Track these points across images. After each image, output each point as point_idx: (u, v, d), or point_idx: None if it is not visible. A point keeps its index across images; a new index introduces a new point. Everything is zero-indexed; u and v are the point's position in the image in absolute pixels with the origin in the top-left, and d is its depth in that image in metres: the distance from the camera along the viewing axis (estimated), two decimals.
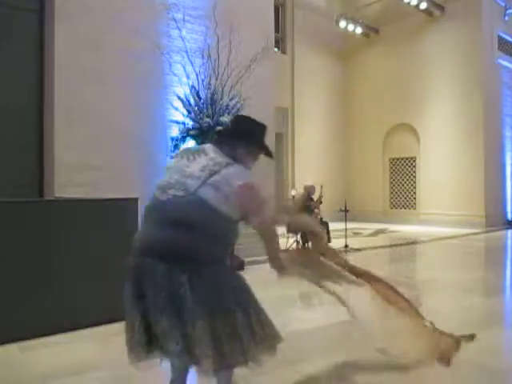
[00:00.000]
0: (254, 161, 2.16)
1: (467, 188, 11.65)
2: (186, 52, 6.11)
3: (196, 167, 1.87)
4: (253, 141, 2.10)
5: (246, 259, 6.26)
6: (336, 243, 8.16)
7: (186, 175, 1.85)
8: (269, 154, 2.20)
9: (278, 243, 2.06)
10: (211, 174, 1.83)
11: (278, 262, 2.12)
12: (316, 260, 2.36)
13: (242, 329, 1.76)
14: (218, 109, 5.88)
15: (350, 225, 8.82)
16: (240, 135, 2.07)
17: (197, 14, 6.60)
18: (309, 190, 8.21)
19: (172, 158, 2.03)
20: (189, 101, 6.00)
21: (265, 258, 2.14)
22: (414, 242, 9.45)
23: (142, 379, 2.73)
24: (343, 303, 2.44)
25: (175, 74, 6.20)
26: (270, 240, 2.02)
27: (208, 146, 2.02)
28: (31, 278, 3.37)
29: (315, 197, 8.24)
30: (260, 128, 2.16)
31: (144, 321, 1.79)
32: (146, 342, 1.81)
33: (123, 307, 1.88)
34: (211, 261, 1.81)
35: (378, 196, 13.79)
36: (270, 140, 7.60)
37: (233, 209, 1.84)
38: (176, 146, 5.91)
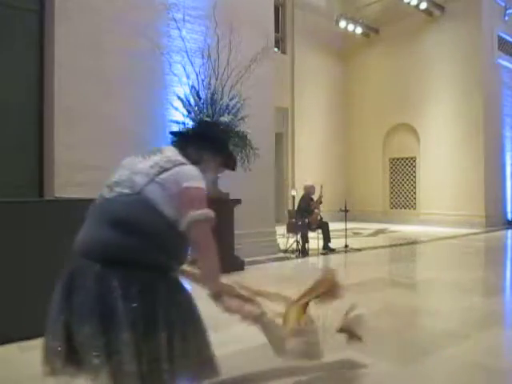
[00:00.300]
0: (216, 172, 1.99)
1: (467, 188, 11.65)
2: (186, 52, 6.11)
3: (147, 164, 1.71)
4: (221, 149, 1.97)
5: (246, 259, 6.27)
6: (336, 243, 8.17)
7: (134, 171, 1.70)
8: (233, 165, 2.06)
9: (214, 257, 1.73)
10: (160, 172, 1.67)
11: (214, 282, 1.78)
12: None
13: (163, 351, 1.55)
14: (217, 109, 5.88)
15: (349, 225, 8.82)
16: (208, 141, 1.93)
17: (197, 13, 6.60)
18: (309, 190, 8.21)
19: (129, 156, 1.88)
20: (189, 101, 6.00)
21: (197, 274, 1.86)
22: (413, 242, 9.45)
23: None
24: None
25: (175, 74, 6.20)
26: (204, 248, 1.72)
27: (167, 147, 1.86)
28: (31, 278, 3.37)
29: (315, 197, 8.24)
30: (226, 138, 2.15)
31: (66, 327, 1.62)
32: (65, 351, 1.62)
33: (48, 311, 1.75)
34: (150, 268, 1.63)
35: (378, 196, 13.79)
36: (270, 140, 7.68)
37: (176, 210, 1.65)
38: None
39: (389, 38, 13.29)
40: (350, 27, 13.05)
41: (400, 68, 13.03)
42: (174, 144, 1.90)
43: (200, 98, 6.01)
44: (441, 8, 12.18)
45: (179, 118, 6.07)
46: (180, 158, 1.76)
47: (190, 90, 6.05)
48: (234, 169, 2.06)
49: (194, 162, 1.80)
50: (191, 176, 1.70)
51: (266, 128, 7.40)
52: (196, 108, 5.95)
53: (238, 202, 5.99)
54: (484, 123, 11.56)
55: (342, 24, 12.92)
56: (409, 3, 11.88)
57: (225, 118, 5.75)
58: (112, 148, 5.70)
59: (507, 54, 12.79)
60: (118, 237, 1.60)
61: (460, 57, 11.86)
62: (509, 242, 10.39)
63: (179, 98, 6.02)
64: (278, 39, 12.42)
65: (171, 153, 1.78)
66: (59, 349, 1.62)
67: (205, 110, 5.88)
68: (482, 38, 11.65)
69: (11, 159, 5.27)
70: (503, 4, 12.51)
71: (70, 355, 1.62)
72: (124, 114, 5.84)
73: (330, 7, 13.64)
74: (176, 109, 6.11)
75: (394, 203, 13.65)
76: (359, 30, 13.28)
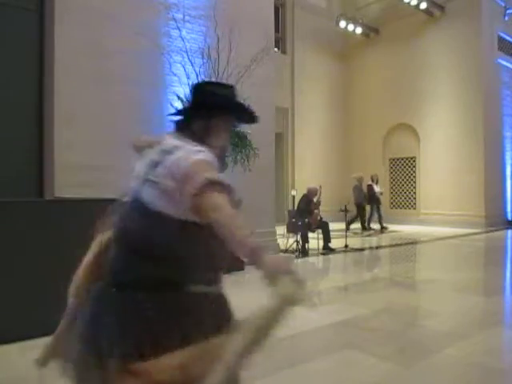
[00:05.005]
0: (219, 135, 1.51)
1: (467, 188, 11.65)
2: (186, 52, 6.11)
3: (142, 163, 1.45)
4: (209, 104, 1.49)
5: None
6: (336, 243, 8.17)
7: (134, 176, 1.46)
8: (243, 112, 1.56)
9: (240, 228, 1.20)
10: (152, 167, 1.36)
11: (251, 248, 1.18)
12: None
13: None
14: None
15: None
16: (193, 106, 1.55)
17: (197, 13, 6.60)
18: (310, 192, 8.21)
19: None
20: (189, 101, 6.00)
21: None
22: (414, 242, 9.45)
23: None
24: None
25: (175, 74, 6.20)
26: (228, 225, 1.20)
27: (169, 135, 1.51)
28: (31, 278, 3.37)
29: (316, 199, 8.24)
30: (229, 87, 1.57)
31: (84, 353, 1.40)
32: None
33: None
34: (151, 287, 1.31)
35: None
36: (270, 140, 7.69)
37: (180, 206, 1.27)
38: None
39: (389, 38, 13.29)
40: (350, 27, 13.05)
41: (400, 68, 13.03)
42: (177, 128, 1.54)
43: None
44: (441, 8, 12.18)
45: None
46: (177, 142, 1.40)
47: (190, 90, 6.04)
48: (253, 119, 1.57)
49: (202, 138, 1.46)
50: (186, 156, 1.30)
51: (266, 128, 7.40)
52: None
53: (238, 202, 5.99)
54: (484, 123, 11.56)
55: (342, 24, 12.92)
56: (409, 3, 11.88)
57: None
58: (112, 148, 5.70)
59: (507, 54, 12.79)
60: (121, 257, 1.37)
61: (460, 57, 11.86)
62: (509, 241, 10.39)
63: (179, 97, 6.01)
64: (278, 39, 12.41)
65: (168, 140, 1.44)
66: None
67: None
68: (482, 37, 11.65)
69: (11, 159, 5.27)
70: (503, 4, 12.51)
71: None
72: (124, 114, 5.84)
73: (330, 7, 13.64)
74: (176, 109, 6.11)
75: (394, 203, 13.65)
76: (359, 30, 13.28)
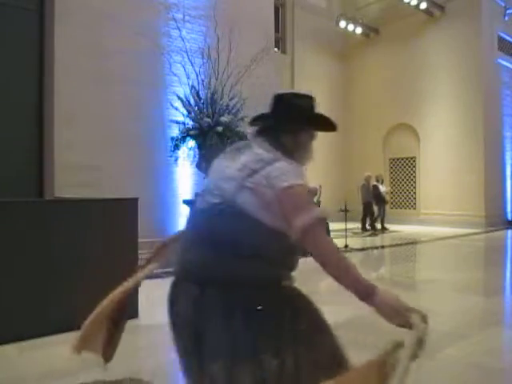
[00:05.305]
0: (307, 149, 1.63)
1: (467, 188, 11.65)
2: (186, 52, 6.11)
3: (235, 167, 1.46)
4: (295, 119, 1.58)
5: None
6: (336, 243, 8.16)
7: (223, 177, 1.47)
8: (323, 123, 1.65)
9: (338, 257, 1.39)
10: (250, 174, 1.41)
11: (360, 283, 1.35)
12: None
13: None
14: (217, 109, 5.88)
15: (349, 225, 8.82)
16: (280, 119, 1.58)
17: (197, 13, 6.60)
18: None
19: (217, 159, 1.62)
20: (189, 101, 6.00)
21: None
22: (414, 242, 9.45)
23: (145, 379, 2.73)
24: None
25: (175, 74, 6.19)
26: (325, 256, 1.39)
27: (257, 142, 1.55)
28: (31, 278, 3.37)
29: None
30: (303, 99, 1.64)
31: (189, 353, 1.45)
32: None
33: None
34: (256, 285, 1.39)
35: None
36: None
37: (276, 217, 1.39)
38: (176, 146, 5.91)
39: (389, 38, 13.29)
40: (350, 27, 13.05)
41: (400, 68, 13.03)
42: (263, 134, 1.57)
43: (200, 98, 6.00)
44: (441, 8, 12.18)
45: (179, 118, 6.07)
46: (272, 153, 1.46)
47: (190, 90, 6.05)
48: (334, 128, 1.66)
49: (291, 152, 1.52)
50: (286, 173, 1.39)
51: None
52: (196, 108, 5.95)
53: None
54: (484, 123, 11.56)
55: (342, 24, 12.93)
56: (409, 3, 11.88)
57: (225, 118, 5.75)
58: (112, 148, 5.70)
59: (507, 54, 12.78)
60: (215, 256, 1.39)
61: (460, 57, 11.86)
62: (509, 241, 10.39)
63: (179, 98, 6.01)
64: (278, 39, 12.41)
65: (259, 148, 1.49)
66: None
67: (205, 110, 5.88)
68: (482, 37, 11.65)
69: (11, 159, 5.27)
70: (503, 4, 12.51)
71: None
72: (124, 114, 5.84)
73: (330, 7, 13.64)
74: (176, 109, 6.11)
75: (394, 203, 13.64)
76: (359, 30, 13.28)
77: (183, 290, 1.44)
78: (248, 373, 1.32)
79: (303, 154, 1.60)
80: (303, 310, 1.49)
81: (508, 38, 12.77)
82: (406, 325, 1.33)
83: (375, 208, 11.45)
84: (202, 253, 1.42)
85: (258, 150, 1.48)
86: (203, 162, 5.99)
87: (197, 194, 1.56)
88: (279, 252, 1.43)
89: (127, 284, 1.65)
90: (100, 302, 1.62)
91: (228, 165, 1.49)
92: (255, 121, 1.67)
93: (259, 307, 1.37)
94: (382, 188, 11.59)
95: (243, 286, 1.38)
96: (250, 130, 1.71)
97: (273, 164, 1.41)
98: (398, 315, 1.33)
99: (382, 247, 8.80)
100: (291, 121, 1.58)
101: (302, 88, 12.96)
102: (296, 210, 1.36)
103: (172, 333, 1.47)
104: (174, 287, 1.49)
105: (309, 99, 1.65)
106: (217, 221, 1.42)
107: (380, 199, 11.40)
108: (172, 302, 1.48)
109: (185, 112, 6.02)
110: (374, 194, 11.30)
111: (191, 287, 1.41)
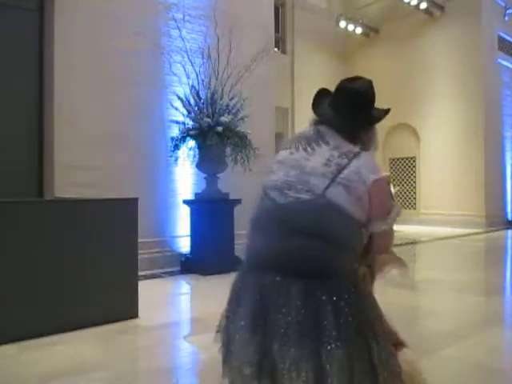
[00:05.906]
0: (376, 140, 1.75)
1: (467, 188, 11.65)
2: (186, 52, 6.11)
3: (318, 160, 1.47)
4: (376, 119, 1.76)
5: None
6: None
7: (306, 172, 1.46)
8: (380, 115, 1.81)
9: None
10: (339, 170, 1.44)
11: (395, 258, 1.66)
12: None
13: (378, 361, 1.41)
14: (217, 109, 5.88)
15: None
16: (357, 114, 1.66)
17: (197, 13, 6.60)
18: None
19: (282, 148, 1.60)
20: (189, 101, 6.00)
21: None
22: (414, 242, 9.44)
23: (145, 380, 2.73)
24: None
25: (175, 74, 6.19)
26: (384, 251, 1.61)
27: (325, 131, 1.57)
28: (31, 278, 3.37)
29: None
30: (367, 93, 1.80)
31: (260, 351, 1.40)
32: (252, 374, 1.42)
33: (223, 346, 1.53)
34: (348, 275, 1.46)
35: None
36: (270, 140, 7.68)
37: (364, 211, 1.48)
38: (176, 146, 5.91)
39: (389, 38, 13.29)
40: (350, 27, 13.05)
41: (400, 68, 13.03)
42: (328, 124, 1.61)
43: (200, 98, 6.00)
44: (441, 8, 12.18)
45: (179, 118, 6.07)
46: (348, 146, 1.52)
47: (190, 90, 6.05)
48: (384, 115, 1.82)
49: (367, 146, 1.61)
50: (373, 167, 1.53)
51: (266, 128, 7.40)
52: (196, 108, 5.95)
53: (238, 202, 5.99)
54: (484, 123, 11.55)
55: (342, 24, 12.92)
56: (409, 3, 11.87)
57: (225, 118, 5.75)
58: (112, 148, 5.70)
59: (507, 54, 12.78)
60: (312, 245, 1.40)
61: (460, 57, 11.85)
62: (509, 242, 10.38)
63: (179, 98, 6.01)
64: (278, 39, 12.40)
65: (335, 140, 1.53)
66: (247, 373, 1.43)
67: (205, 110, 5.88)
68: (482, 37, 11.65)
69: (11, 159, 5.27)
70: (503, 4, 12.50)
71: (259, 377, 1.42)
72: (124, 114, 5.84)
73: (330, 7, 13.63)
74: (176, 109, 6.11)
75: None
76: (359, 30, 13.28)
77: (276, 283, 1.40)
78: (359, 353, 1.38)
79: (373, 147, 1.69)
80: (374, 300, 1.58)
81: (508, 37, 12.76)
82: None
83: None
84: (297, 245, 1.41)
85: (335, 143, 1.53)
86: (203, 162, 6.00)
87: (266, 188, 1.52)
88: (359, 241, 1.52)
89: None
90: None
91: (307, 157, 1.50)
92: (317, 108, 1.72)
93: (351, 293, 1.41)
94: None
95: (338, 276, 1.42)
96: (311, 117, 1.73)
97: (357, 159, 1.48)
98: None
99: None
100: (371, 120, 1.73)
101: (302, 88, 12.96)
102: (381, 209, 1.51)
103: (253, 329, 1.41)
104: (256, 281, 1.43)
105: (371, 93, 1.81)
106: (310, 215, 1.42)
107: None
108: (261, 295, 1.41)
109: (185, 112, 6.02)
110: None
111: (287, 279, 1.39)
